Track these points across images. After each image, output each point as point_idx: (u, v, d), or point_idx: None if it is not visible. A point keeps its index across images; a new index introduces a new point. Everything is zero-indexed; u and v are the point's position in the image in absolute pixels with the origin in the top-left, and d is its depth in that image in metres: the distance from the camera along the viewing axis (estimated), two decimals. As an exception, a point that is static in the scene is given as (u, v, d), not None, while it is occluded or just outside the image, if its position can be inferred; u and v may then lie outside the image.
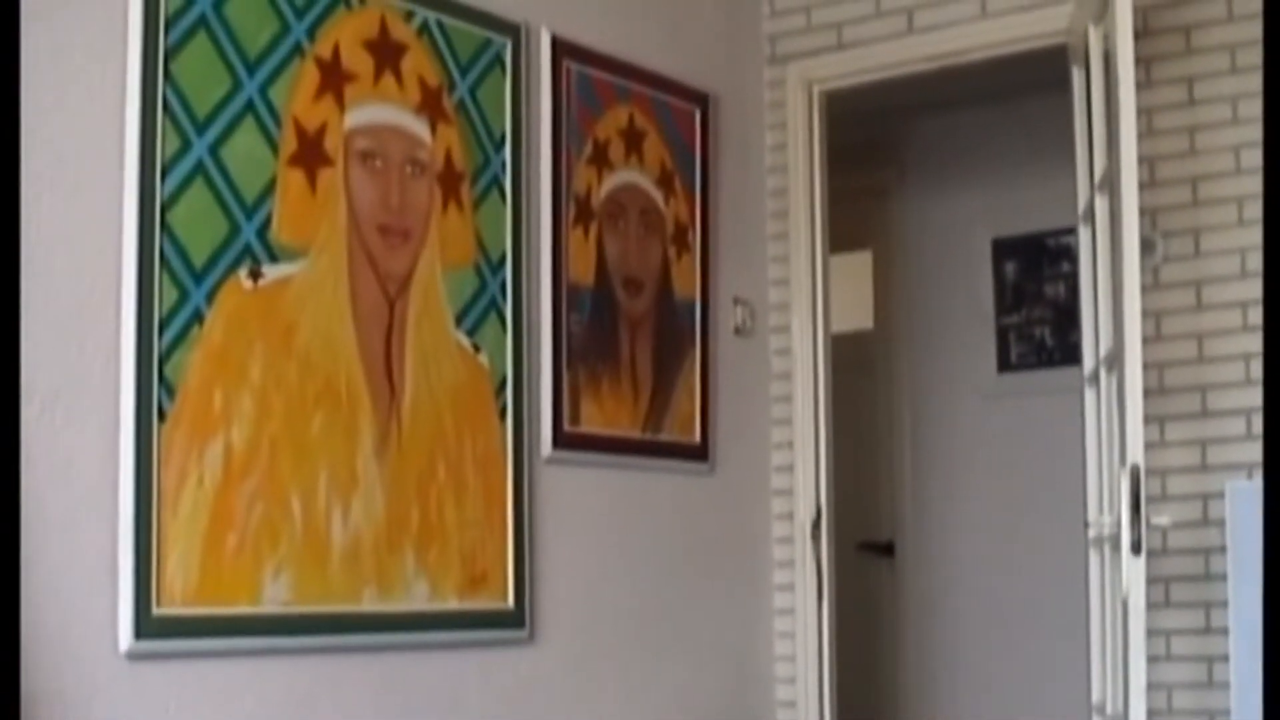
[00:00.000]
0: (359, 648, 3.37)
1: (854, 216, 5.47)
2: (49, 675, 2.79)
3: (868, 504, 5.99)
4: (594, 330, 4.01)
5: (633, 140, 4.17)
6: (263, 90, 3.25)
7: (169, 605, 3.00)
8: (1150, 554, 3.45)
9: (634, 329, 4.13)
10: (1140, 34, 3.80)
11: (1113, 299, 3.80)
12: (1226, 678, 3.75)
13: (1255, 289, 3.85)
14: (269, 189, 3.24)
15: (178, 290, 3.07)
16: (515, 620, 3.72)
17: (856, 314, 6.05)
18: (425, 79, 3.59)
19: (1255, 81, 3.84)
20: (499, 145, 3.76)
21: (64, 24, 2.92)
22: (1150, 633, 3.44)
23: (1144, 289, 3.55)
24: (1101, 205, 3.90)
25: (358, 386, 3.38)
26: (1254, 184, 3.87)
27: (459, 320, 3.63)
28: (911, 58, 4.48)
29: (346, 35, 3.43)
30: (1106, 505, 3.92)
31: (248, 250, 3.19)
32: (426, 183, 3.58)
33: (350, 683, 3.36)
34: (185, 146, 3.10)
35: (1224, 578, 3.78)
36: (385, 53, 3.51)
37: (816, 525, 4.51)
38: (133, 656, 2.95)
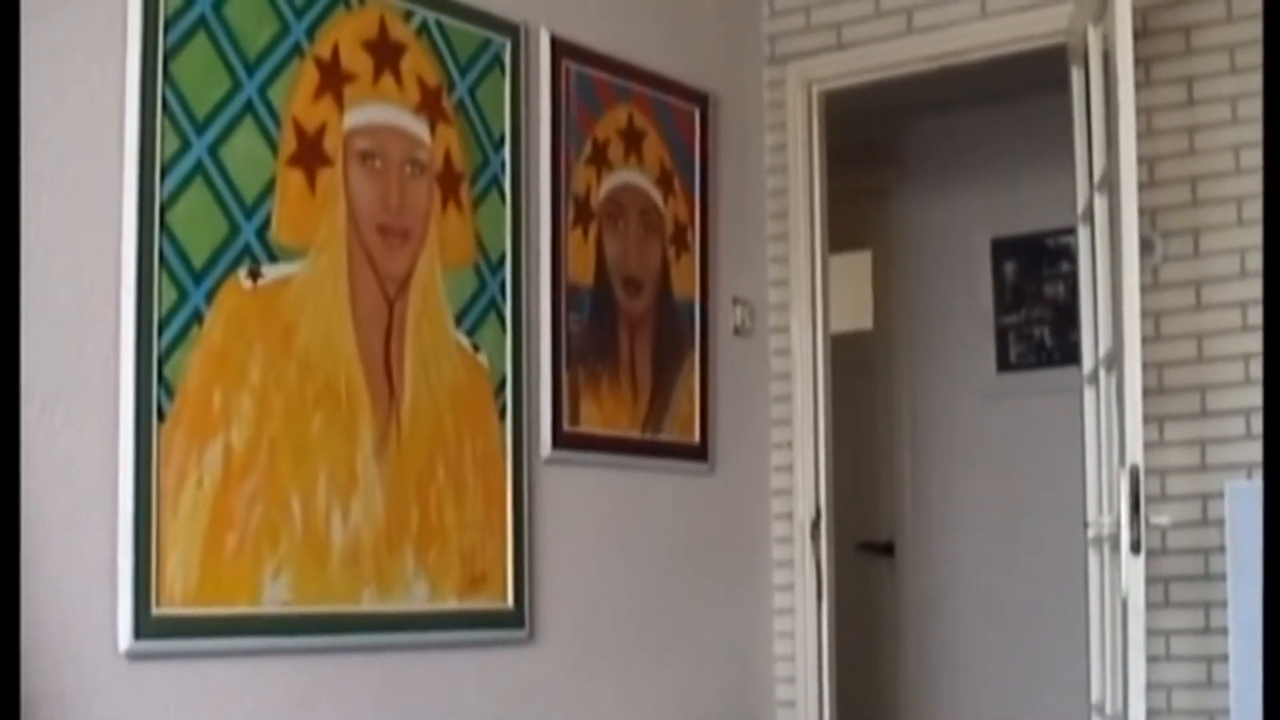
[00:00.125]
0: (359, 648, 3.37)
1: (853, 216, 5.47)
2: (49, 675, 2.79)
3: (867, 504, 5.99)
4: (593, 330, 4.01)
5: (632, 140, 4.17)
6: (262, 90, 3.25)
7: (169, 605, 3.00)
8: (1150, 554, 3.45)
9: (633, 329, 4.14)
10: (1140, 34, 3.80)
11: (1112, 299, 3.80)
12: (1226, 678, 3.75)
13: (1254, 289, 3.84)
14: (268, 189, 3.24)
15: (177, 290, 3.07)
16: (515, 620, 3.72)
17: (856, 314, 6.05)
18: (424, 79, 3.59)
19: (1254, 81, 3.84)
20: (498, 145, 3.76)
21: (63, 24, 2.92)
22: (1150, 632, 3.43)
23: (1143, 289, 3.54)
24: (1101, 205, 3.90)
25: (357, 387, 3.38)
26: (1253, 184, 3.87)
27: (458, 320, 3.63)
28: (911, 58, 4.48)
29: (346, 35, 3.43)
30: (1106, 505, 3.92)
31: (247, 250, 3.19)
32: (426, 183, 3.58)
33: (350, 683, 3.36)
34: (185, 147, 3.10)
35: (1223, 577, 3.78)
36: (384, 53, 3.51)
37: (816, 525, 4.51)
38: (132, 656, 2.95)
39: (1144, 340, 3.50)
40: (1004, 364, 5.81)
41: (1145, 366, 3.51)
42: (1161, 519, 3.57)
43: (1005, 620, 5.64)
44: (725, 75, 4.54)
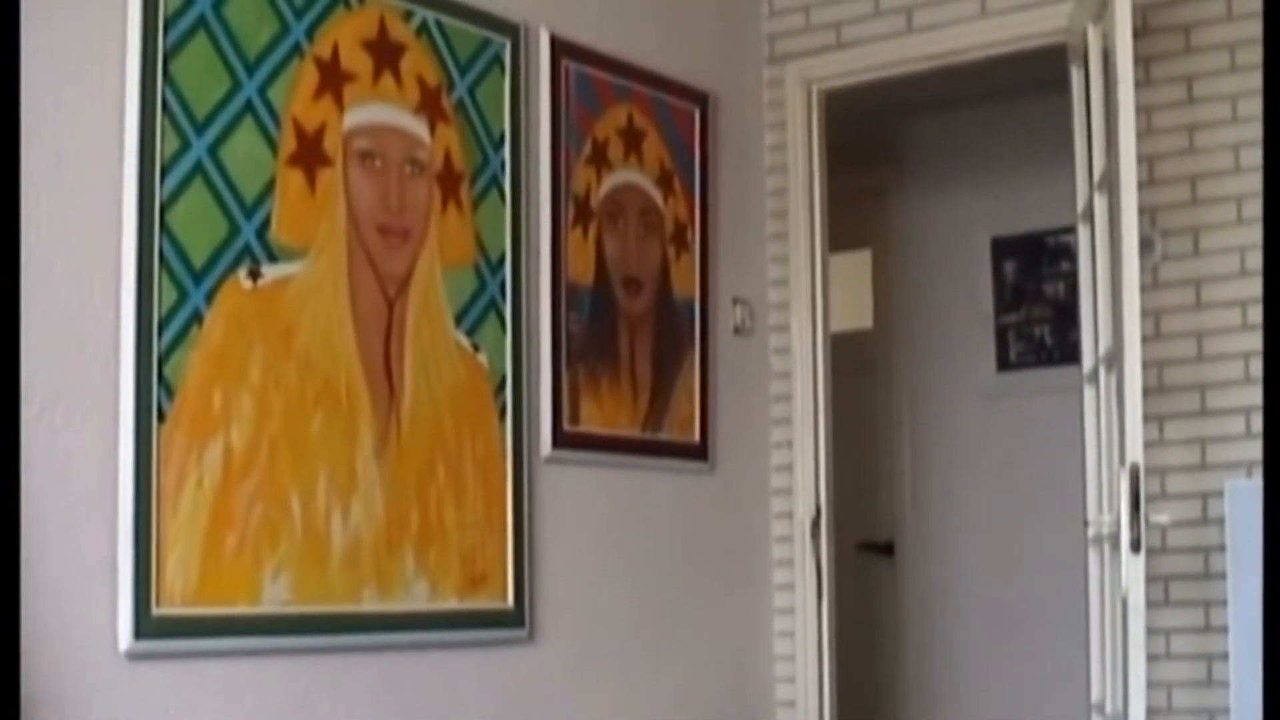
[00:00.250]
0: (358, 648, 3.37)
1: (853, 216, 5.47)
2: (48, 675, 2.79)
3: (867, 503, 5.99)
4: (593, 330, 4.01)
5: (632, 140, 4.17)
6: (262, 90, 3.25)
7: (169, 605, 3.00)
8: (1150, 552, 3.45)
9: (633, 329, 4.14)
10: (1139, 33, 3.80)
11: (1112, 298, 3.80)
12: (1226, 676, 3.75)
13: (1254, 287, 3.85)
14: (268, 189, 3.24)
15: (177, 290, 3.07)
16: (515, 620, 3.72)
17: (856, 313, 6.05)
18: (424, 79, 3.59)
19: (1254, 80, 3.84)
20: (498, 145, 3.76)
21: (63, 24, 2.92)
22: (1150, 631, 3.44)
23: (1143, 288, 3.54)
24: (1101, 204, 3.90)
25: (357, 387, 3.38)
26: (1253, 182, 3.87)
27: (458, 320, 3.63)
28: (911, 57, 4.48)
29: (345, 35, 3.43)
30: (1106, 504, 3.91)
31: (247, 250, 3.19)
32: (426, 183, 3.58)
33: (350, 683, 3.36)
34: (184, 147, 3.10)
35: (1223, 576, 3.78)
36: (384, 53, 3.51)
37: (816, 525, 4.51)
38: (132, 657, 2.95)
39: (1144, 339, 3.50)
40: (1004, 363, 5.81)
41: (1145, 365, 3.51)
42: (1161, 518, 3.57)
43: (1005, 619, 5.64)
44: (725, 75, 4.54)
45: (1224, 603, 3.76)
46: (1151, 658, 3.46)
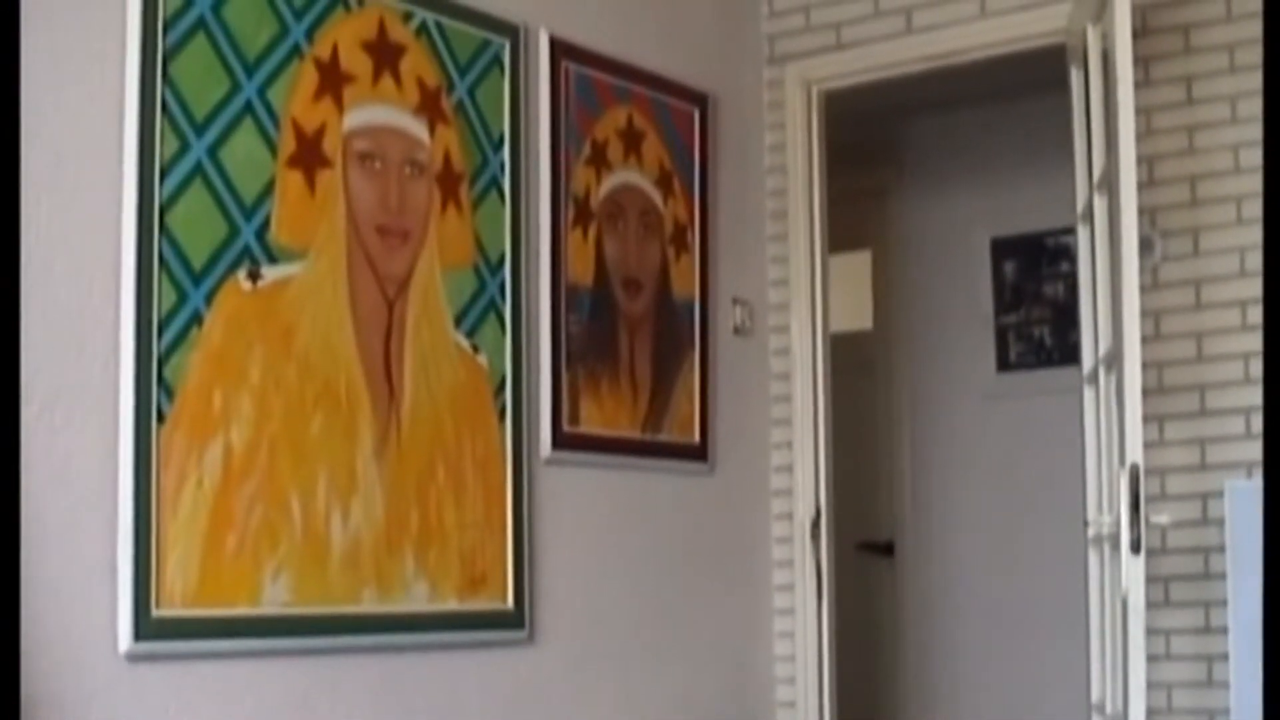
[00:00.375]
0: (358, 649, 3.37)
1: (853, 216, 5.47)
2: (48, 677, 2.79)
3: (867, 504, 5.99)
4: (593, 331, 4.01)
5: (631, 141, 4.17)
6: (261, 91, 3.25)
7: (168, 607, 3.00)
8: (1149, 553, 3.45)
9: (633, 329, 4.14)
10: (1139, 33, 3.80)
11: (1112, 298, 3.80)
12: (1226, 677, 3.75)
13: (1254, 288, 3.85)
14: (268, 190, 3.24)
15: (177, 292, 3.07)
16: (515, 621, 3.72)
17: (855, 314, 6.05)
18: (424, 80, 3.59)
19: (1254, 80, 3.84)
20: (498, 146, 3.76)
21: (63, 25, 2.92)
22: (1150, 632, 3.43)
23: (1143, 288, 3.55)
24: (1100, 205, 3.90)
25: (357, 388, 3.38)
26: (1252, 183, 3.87)
27: (458, 321, 3.63)
28: (910, 57, 4.48)
29: (345, 36, 3.43)
30: (1106, 504, 3.91)
31: (246, 252, 3.19)
32: (425, 184, 3.58)
33: (350, 684, 3.36)
34: (184, 148, 3.10)
35: (1223, 577, 3.78)
36: (384, 54, 3.51)
37: (816, 525, 4.51)
38: (132, 658, 2.95)
39: (1143, 340, 3.50)
40: (1004, 364, 5.81)
41: (1145, 366, 3.51)
42: (1161, 518, 3.57)
43: (1005, 620, 5.64)
44: (724, 75, 4.54)
45: (1224, 603, 3.76)
46: (1151, 658, 3.46)
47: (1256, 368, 3.87)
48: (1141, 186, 3.64)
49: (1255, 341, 3.83)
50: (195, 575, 3.05)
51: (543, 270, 3.87)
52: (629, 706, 4.06)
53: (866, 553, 6.00)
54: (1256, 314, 3.87)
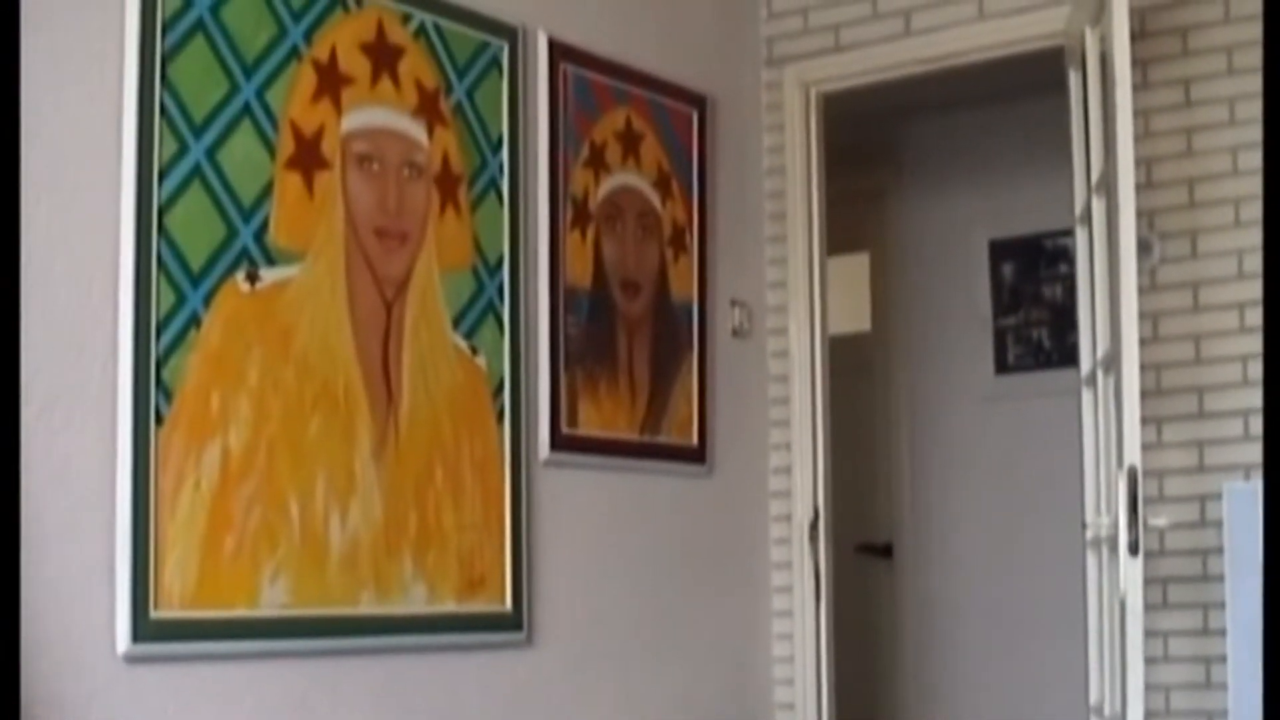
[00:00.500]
0: (357, 651, 3.37)
1: (851, 218, 5.47)
2: (47, 679, 2.79)
3: (866, 506, 5.99)
4: (591, 332, 4.01)
5: (630, 143, 4.17)
6: (260, 93, 3.25)
7: (167, 608, 3.00)
8: (1148, 555, 3.45)
9: (631, 331, 4.14)
10: (1137, 36, 3.80)
11: (1110, 300, 3.80)
12: (1224, 679, 3.75)
13: (1252, 290, 3.85)
14: (266, 192, 3.24)
15: (175, 293, 3.07)
16: (513, 623, 3.72)
17: (854, 316, 6.05)
18: (422, 82, 3.59)
19: (1252, 83, 3.85)
20: (496, 148, 3.76)
21: (62, 27, 2.92)
22: (1148, 634, 3.44)
23: (1141, 290, 3.55)
24: (1099, 207, 3.90)
25: (355, 389, 3.38)
26: (1250, 185, 3.87)
27: (456, 323, 3.63)
28: (909, 60, 4.48)
29: (343, 38, 3.43)
30: (1104, 506, 3.92)
31: (245, 253, 3.19)
32: (424, 185, 3.58)
33: (348, 686, 3.36)
34: (182, 150, 3.10)
35: (1221, 579, 3.78)
36: (382, 55, 3.51)
37: (814, 527, 4.51)
38: (130, 660, 2.95)
39: (1142, 342, 3.50)
40: (1002, 366, 5.81)
41: (1143, 368, 3.51)
42: (1159, 520, 3.57)
43: (1004, 622, 5.64)
44: (723, 77, 4.55)
45: (1222, 605, 3.76)
46: (1150, 660, 3.46)
47: (1254, 370, 3.87)
48: (1140, 189, 3.64)
49: (1253, 344, 3.84)
50: (194, 577, 3.05)
51: (541, 272, 3.87)
52: (627, 708, 4.06)
53: (865, 554, 6.00)
54: (1254, 316, 3.87)
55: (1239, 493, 3.71)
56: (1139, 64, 3.86)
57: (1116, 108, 3.52)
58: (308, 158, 3.32)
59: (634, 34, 4.25)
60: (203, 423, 3.09)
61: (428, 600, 3.50)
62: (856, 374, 5.83)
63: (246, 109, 3.22)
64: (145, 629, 2.96)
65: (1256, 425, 3.85)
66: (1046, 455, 5.36)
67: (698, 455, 4.33)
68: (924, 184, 5.99)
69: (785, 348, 4.59)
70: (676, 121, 4.33)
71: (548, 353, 3.86)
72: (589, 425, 3.98)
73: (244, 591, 3.13)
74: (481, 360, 3.68)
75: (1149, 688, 3.42)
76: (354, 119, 3.43)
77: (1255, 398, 3.79)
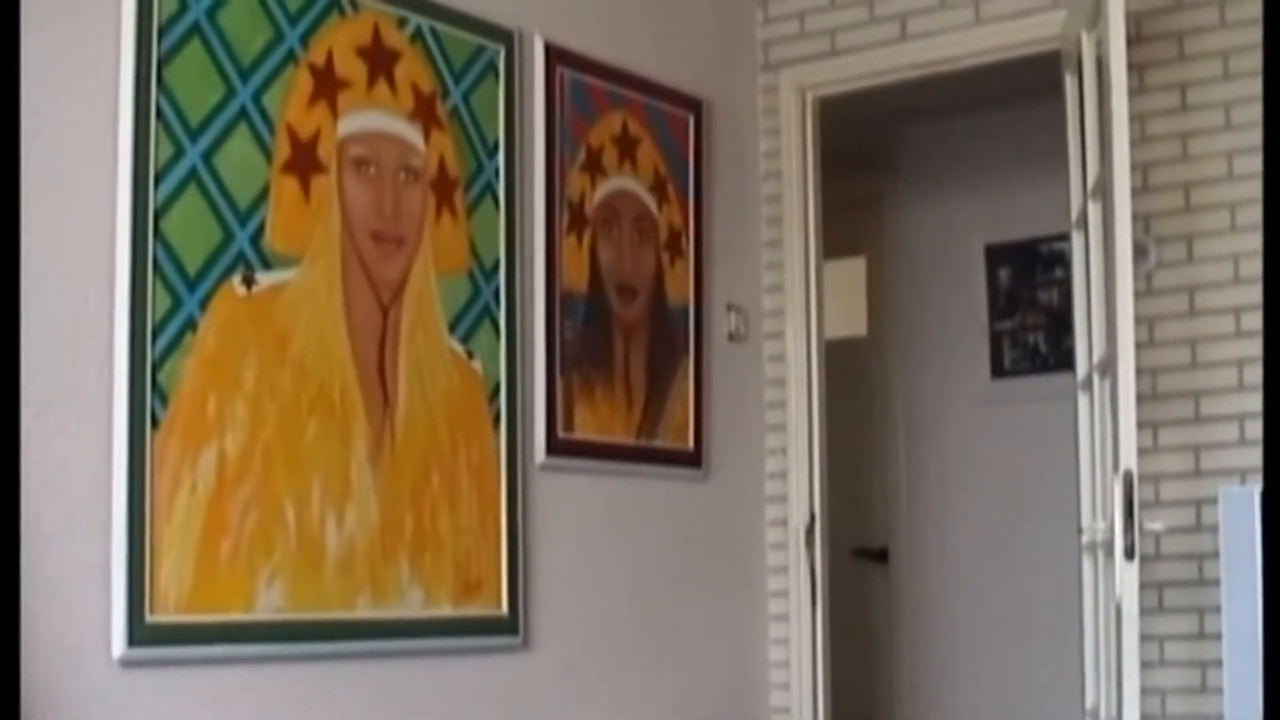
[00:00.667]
0: (353, 655, 3.37)
1: (848, 223, 5.48)
2: (42, 683, 2.78)
3: (862, 510, 5.99)
4: (587, 337, 4.01)
5: (626, 147, 4.17)
6: (256, 97, 3.25)
7: (162, 613, 3.00)
8: (1143, 559, 3.45)
9: (627, 335, 4.14)
10: (1133, 40, 3.80)
11: (1106, 305, 3.80)
12: (1220, 683, 3.74)
13: (1248, 294, 3.85)
14: (262, 196, 3.24)
15: (171, 297, 3.06)
16: (509, 627, 3.71)
17: (850, 320, 6.05)
18: (419, 86, 3.59)
19: (1248, 88, 3.85)
20: (492, 152, 3.76)
21: (59, 30, 2.92)
22: (1143, 638, 3.44)
23: (1137, 295, 3.55)
24: (1094, 211, 3.90)
25: (351, 394, 3.38)
26: (1246, 190, 3.88)
27: (452, 327, 3.63)
28: (905, 64, 4.49)
29: (340, 42, 3.43)
30: (1100, 511, 3.92)
31: (241, 257, 3.19)
32: (420, 189, 3.58)
33: (344, 690, 3.35)
34: (178, 153, 3.10)
35: (1217, 583, 3.77)
36: (379, 60, 3.51)
37: (810, 531, 4.51)
38: (126, 664, 2.94)
39: (1138, 346, 3.51)
40: (998, 370, 5.81)
41: (1139, 372, 3.52)
42: (1155, 525, 3.57)
43: (1000, 626, 5.64)
44: (719, 82, 4.55)
45: (1218, 609, 3.75)
46: (1145, 664, 3.46)
47: (1250, 374, 3.87)
48: (1136, 193, 3.64)
49: (1249, 348, 3.84)
50: (189, 581, 3.05)
51: (537, 276, 3.87)
52: (624, 712, 4.05)
53: (861, 559, 6.00)
54: (1250, 321, 3.87)
55: (1235, 497, 3.71)
56: (1135, 68, 3.86)
57: (1112, 112, 3.53)
58: (304, 161, 3.32)
59: (630, 38, 4.25)
60: (199, 426, 3.08)
61: (424, 604, 3.50)
62: (853, 378, 5.83)
63: (243, 112, 3.21)
64: (141, 633, 2.95)
65: (1252, 430, 3.86)
66: (1042, 459, 5.36)
67: (694, 459, 4.33)
68: (920, 188, 5.99)
69: (781, 352, 4.59)
70: (673, 126, 4.33)
71: (544, 357, 3.86)
72: (585, 429, 3.98)
73: (240, 595, 3.13)
74: (477, 364, 3.68)
75: (1145, 692, 3.42)
76: (350, 123, 3.43)
77: (1251, 402, 3.80)
